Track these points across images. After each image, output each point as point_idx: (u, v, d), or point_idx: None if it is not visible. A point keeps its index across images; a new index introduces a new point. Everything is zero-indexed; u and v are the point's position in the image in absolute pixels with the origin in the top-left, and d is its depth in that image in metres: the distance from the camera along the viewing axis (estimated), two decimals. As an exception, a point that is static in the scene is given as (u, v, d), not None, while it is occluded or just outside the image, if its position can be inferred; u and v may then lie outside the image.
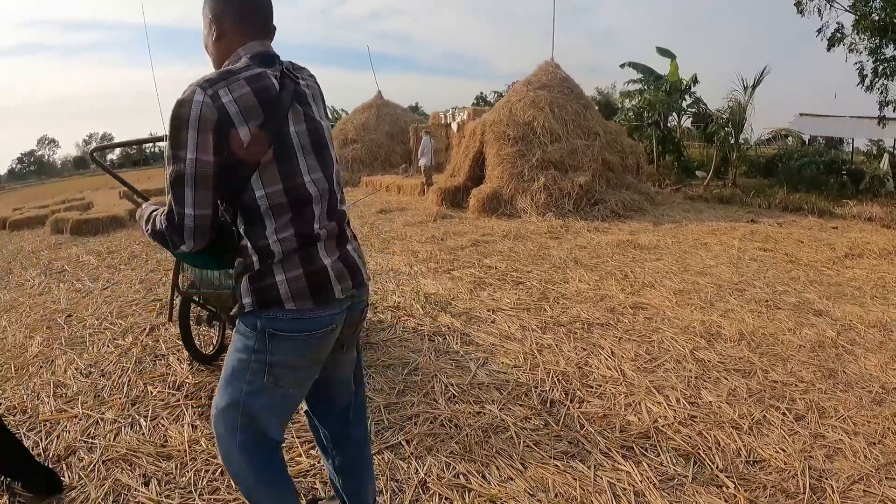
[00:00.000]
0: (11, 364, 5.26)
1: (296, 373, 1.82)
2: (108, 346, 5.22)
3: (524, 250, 7.34)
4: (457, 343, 4.22)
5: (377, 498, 2.46)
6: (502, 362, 3.83)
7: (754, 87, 14.88)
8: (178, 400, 3.92)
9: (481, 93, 44.38)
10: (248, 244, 1.73)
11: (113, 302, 6.53)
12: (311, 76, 1.91)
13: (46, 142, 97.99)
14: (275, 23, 1.87)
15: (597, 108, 16.14)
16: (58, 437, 3.76)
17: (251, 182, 1.66)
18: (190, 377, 4.17)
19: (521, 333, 4.34)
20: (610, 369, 3.65)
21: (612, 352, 3.93)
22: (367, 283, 1.95)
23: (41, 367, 5.05)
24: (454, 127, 17.85)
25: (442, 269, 6.51)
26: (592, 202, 10.42)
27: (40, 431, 3.92)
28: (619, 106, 21.06)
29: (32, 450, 3.60)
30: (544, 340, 4.17)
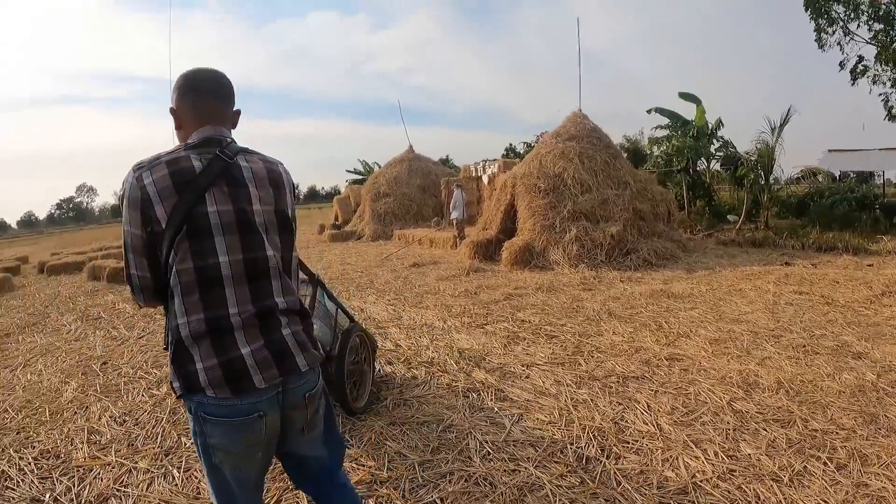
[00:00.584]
0: (46, 408, 5.36)
1: (236, 456, 1.82)
2: (142, 395, 5.31)
3: (557, 303, 7.35)
4: (491, 399, 4.23)
5: None
6: (537, 418, 3.82)
7: (781, 127, 14.96)
8: None
9: (510, 144, 44.95)
10: (167, 324, 1.81)
11: (148, 351, 6.66)
12: (270, 162, 1.95)
13: (85, 189, 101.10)
14: (237, 107, 2.00)
15: (625, 155, 16.25)
16: (90, 483, 3.81)
17: (168, 258, 1.74)
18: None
19: (555, 389, 4.33)
20: (646, 424, 3.62)
21: (648, 406, 3.90)
22: (309, 368, 1.89)
23: (76, 412, 5.14)
24: (485, 179, 18.05)
25: (475, 324, 6.54)
26: (625, 252, 10.43)
27: (73, 477, 3.98)
28: (648, 153, 21.16)
29: (65, 495, 3.69)
30: (579, 395, 4.16)
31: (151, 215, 1.71)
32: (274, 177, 1.93)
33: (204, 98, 1.90)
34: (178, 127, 1.93)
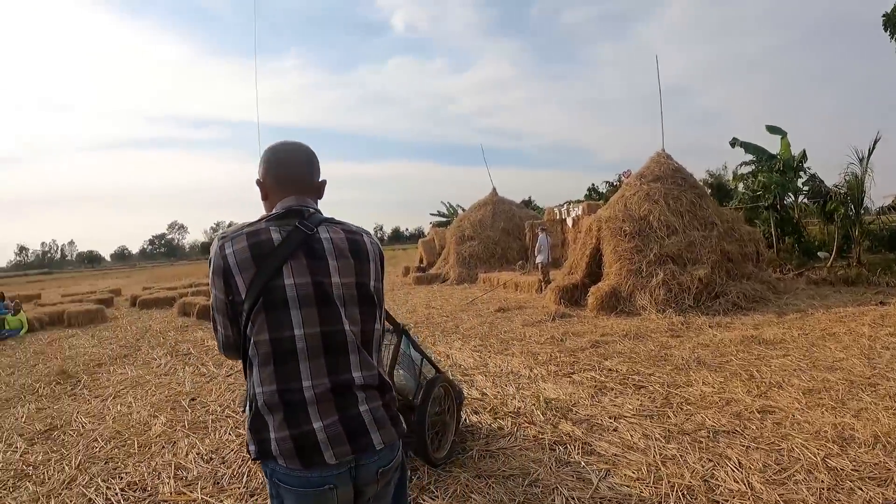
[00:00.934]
0: (135, 440, 5.59)
1: None
2: (229, 433, 5.48)
3: (645, 351, 7.28)
4: (578, 453, 4.24)
5: None
6: (625, 474, 3.81)
7: (869, 155, 14.36)
8: None
9: (593, 184, 44.57)
10: (247, 390, 1.84)
11: (235, 390, 6.89)
12: (353, 233, 1.93)
13: (177, 227, 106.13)
14: (323, 178, 2.05)
15: (709, 191, 15.92)
16: None
17: (246, 328, 1.78)
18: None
19: (643, 443, 4.30)
20: (737, 482, 3.55)
21: (739, 462, 3.83)
22: (385, 446, 1.83)
23: (163, 447, 5.35)
24: (569, 222, 18.10)
25: (562, 372, 6.56)
26: (713, 295, 10.21)
27: None
28: (733, 188, 20.66)
29: None
30: (668, 451, 4.11)
31: (232, 284, 1.77)
32: (356, 248, 1.91)
33: (288, 170, 1.97)
34: (264, 198, 2.00)
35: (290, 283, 1.77)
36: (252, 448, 1.80)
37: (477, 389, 6.18)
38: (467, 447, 4.57)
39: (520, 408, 5.43)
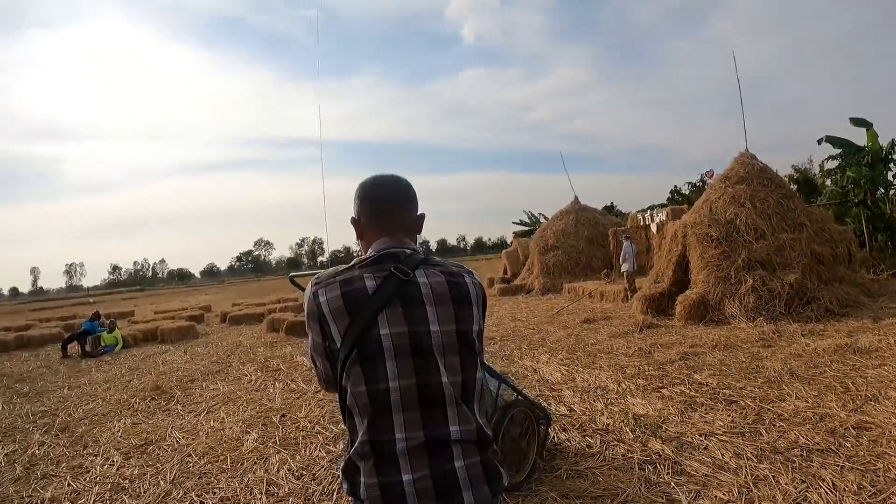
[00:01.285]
0: (228, 456, 5.75)
1: None
2: (319, 450, 5.62)
3: (735, 363, 7.14)
4: (668, 472, 4.23)
5: None
6: (715, 496, 3.78)
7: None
8: None
9: (675, 186, 43.25)
10: (346, 436, 1.80)
11: (325, 406, 7.03)
12: (454, 275, 1.80)
13: (263, 243, 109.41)
14: (421, 212, 1.94)
15: (795, 187, 15.34)
16: None
17: (342, 379, 1.73)
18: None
19: (735, 462, 4.24)
20: None
21: (833, 484, 3.74)
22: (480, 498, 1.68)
23: (255, 462, 5.51)
24: (653, 228, 17.78)
25: (651, 387, 6.52)
26: (804, 301, 9.83)
27: None
28: (820, 183, 19.84)
29: None
30: (759, 471, 4.05)
31: (327, 331, 1.73)
32: (457, 292, 1.77)
33: (382, 208, 1.88)
34: (360, 237, 1.92)
35: (385, 332, 1.68)
36: (345, 486, 1.77)
37: (565, 405, 6.23)
38: (556, 465, 4.62)
39: (608, 424, 5.44)
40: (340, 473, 1.87)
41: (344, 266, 1.81)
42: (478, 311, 1.81)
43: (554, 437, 5.27)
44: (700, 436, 4.87)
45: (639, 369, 7.38)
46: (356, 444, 1.70)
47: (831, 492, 3.64)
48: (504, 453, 4.39)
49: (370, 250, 1.83)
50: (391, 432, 1.66)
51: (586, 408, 6.06)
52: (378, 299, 1.69)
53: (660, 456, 4.55)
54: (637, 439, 4.97)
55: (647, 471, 4.33)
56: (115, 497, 5.01)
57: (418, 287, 1.72)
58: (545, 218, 33.93)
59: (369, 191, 1.89)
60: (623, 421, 5.47)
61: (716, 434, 4.86)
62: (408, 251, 1.80)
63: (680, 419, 5.35)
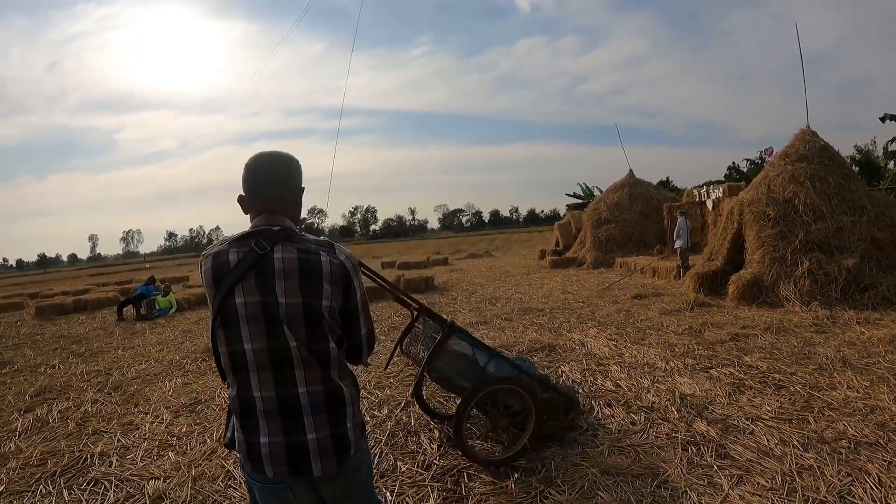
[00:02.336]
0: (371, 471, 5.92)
1: None
2: (365, 414, 5.53)
3: (787, 347, 6.94)
4: (711, 455, 4.16)
5: None
6: (757, 483, 3.70)
7: None
8: (425, 480, 4.16)
9: (733, 163, 41.88)
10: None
11: (371, 371, 6.99)
12: (310, 252, 1.92)
13: (316, 211, 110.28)
14: (300, 186, 2.10)
15: (857, 169, 14.69)
16: None
17: (214, 340, 1.96)
18: (438, 459, 4.44)
19: (780, 449, 4.14)
20: (875, 501, 3.35)
21: (879, 479, 3.60)
22: (333, 471, 1.89)
23: None
24: (709, 205, 17.32)
25: (699, 367, 6.40)
26: (862, 288, 9.43)
27: None
28: (882, 166, 18.96)
29: None
30: (805, 460, 3.94)
31: (209, 296, 1.96)
32: (308, 268, 1.90)
33: (257, 186, 2.00)
34: (245, 212, 2.05)
35: (240, 301, 1.87)
36: (226, 437, 2.04)
37: (611, 381, 6.17)
38: (598, 441, 4.58)
39: (654, 402, 5.38)
40: (226, 419, 2.09)
41: (227, 238, 1.99)
42: (331, 287, 1.92)
43: (597, 413, 5.26)
44: (746, 419, 4.77)
45: (688, 348, 7.26)
46: (230, 398, 1.96)
47: (877, 487, 3.52)
48: (493, 425, 4.57)
49: (251, 225, 2.00)
50: (250, 390, 1.88)
51: (632, 384, 5.99)
52: (237, 271, 1.87)
53: (704, 437, 4.48)
54: (682, 419, 4.90)
55: (690, 452, 4.27)
56: (161, 453, 5.11)
57: (272, 262, 1.88)
58: (600, 191, 33.46)
59: (249, 170, 2.00)
60: (669, 400, 5.39)
61: (762, 419, 4.76)
62: (275, 228, 1.95)
63: (727, 401, 5.25)
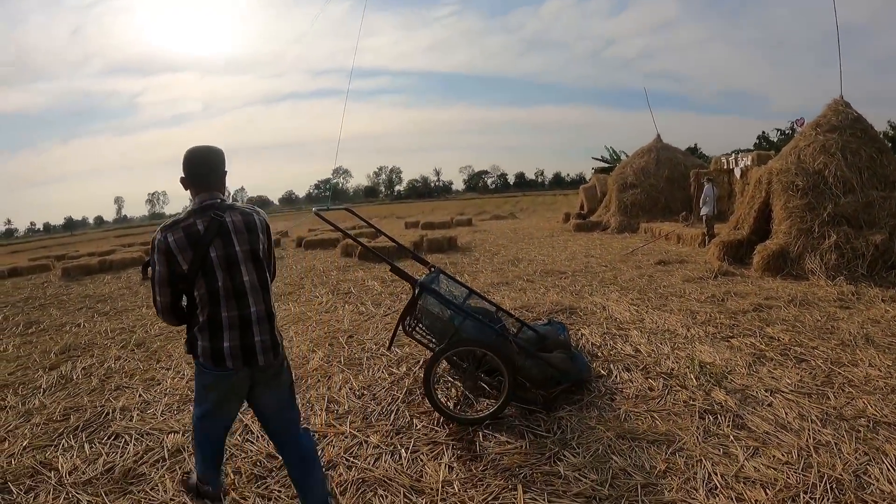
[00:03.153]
0: (293, 373, 5.93)
1: (217, 393, 2.86)
2: (382, 371, 5.71)
3: (810, 321, 6.77)
4: (728, 425, 4.12)
5: (329, 500, 3.21)
6: (773, 455, 3.65)
7: None
8: (441, 438, 4.20)
9: (763, 132, 40.85)
10: (190, 323, 2.84)
11: (391, 329, 7.00)
12: (246, 214, 2.87)
13: (341, 172, 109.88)
14: (226, 169, 2.94)
15: (890, 145, 14.20)
16: (323, 449, 4.13)
17: (192, 287, 2.72)
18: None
19: (798, 424, 4.06)
20: (891, 483, 3.26)
21: None
22: (271, 362, 2.86)
23: (319, 380, 5.59)
24: (737, 173, 16.92)
25: (720, 335, 6.32)
26: (889, 265, 9.12)
27: None
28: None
29: None
30: (822, 436, 3.86)
31: (173, 262, 2.69)
32: (248, 225, 2.84)
33: (198, 172, 2.83)
34: (187, 189, 2.86)
35: (214, 255, 2.71)
36: (185, 348, 2.88)
37: (631, 345, 6.13)
38: (615, 405, 4.59)
39: (673, 369, 5.33)
40: (185, 345, 2.89)
41: (181, 215, 2.76)
42: (263, 236, 2.92)
43: (615, 377, 5.23)
44: (766, 391, 4.70)
45: (710, 316, 7.15)
46: (198, 324, 2.76)
47: (894, 469, 3.43)
48: (463, 384, 4.76)
49: (195, 201, 2.80)
50: (219, 312, 2.73)
51: (652, 350, 5.95)
52: (207, 236, 2.69)
53: (722, 407, 4.44)
54: (700, 387, 4.86)
55: (706, 420, 4.24)
56: (182, 407, 5.17)
57: (228, 224, 2.76)
58: (626, 155, 32.87)
59: (189, 160, 2.82)
60: (688, 367, 5.34)
61: (782, 391, 4.68)
62: (218, 201, 2.82)
63: (747, 372, 5.18)
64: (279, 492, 3.63)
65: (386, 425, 4.48)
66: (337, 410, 4.88)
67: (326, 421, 4.67)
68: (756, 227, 11.55)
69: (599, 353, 5.93)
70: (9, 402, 5.71)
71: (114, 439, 4.62)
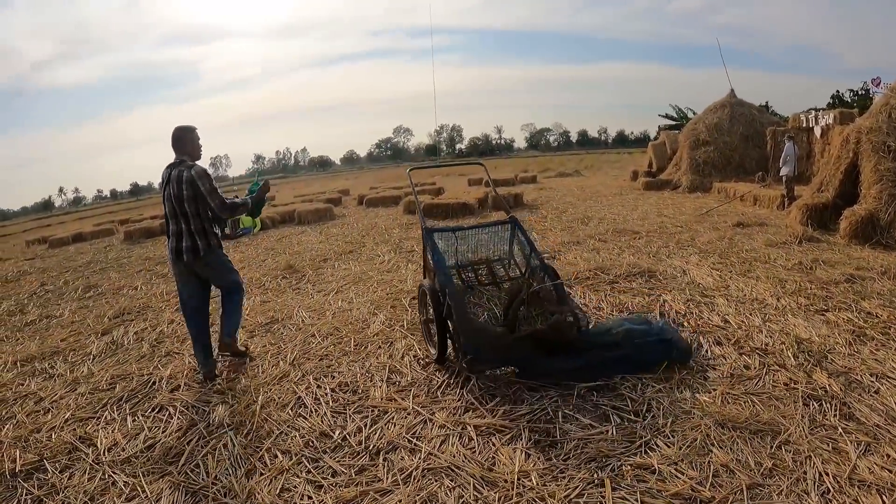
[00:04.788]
0: (352, 339, 5.54)
1: (178, 276, 4.91)
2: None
3: (911, 295, 6.11)
4: (834, 414, 3.71)
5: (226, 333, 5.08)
6: (887, 454, 3.20)
7: None
8: (515, 415, 3.87)
9: (837, 91, 38.11)
10: None
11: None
12: (183, 169, 4.64)
13: (402, 131, 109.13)
14: (190, 142, 4.83)
15: None
16: (382, 428, 3.78)
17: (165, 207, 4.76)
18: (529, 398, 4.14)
19: None
20: None
21: None
22: (192, 256, 4.67)
23: (380, 346, 5.29)
24: (817, 132, 15.79)
25: (814, 308, 5.82)
26: None
27: (367, 417, 3.97)
28: None
29: (354, 435, 3.68)
30: None
31: (161, 195, 4.74)
32: (181, 177, 4.59)
33: (172, 144, 4.74)
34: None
35: (167, 193, 4.62)
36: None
37: (718, 315, 5.73)
38: (710, 386, 4.21)
39: (767, 345, 4.91)
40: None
41: (169, 164, 4.76)
42: (188, 185, 4.58)
43: (707, 350, 4.89)
44: (871, 376, 4.24)
45: (799, 285, 6.60)
46: (166, 233, 4.80)
47: None
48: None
49: (175, 158, 4.73)
50: (169, 227, 4.73)
51: (742, 321, 5.52)
52: (166, 179, 4.65)
53: (826, 392, 4.01)
54: (800, 367, 4.44)
55: (811, 408, 3.82)
56: (232, 377, 5.02)
57: (176, 174, 4.60)
58: (693, 113, 31.31)
59: (172, 134, 4.73)
60: (784, 343, 4.91)
61: (889, 377, 4.20)
62: (177, 161, 4.66)
63: (847, 351, 4.71)
64: (331, 478, 3.37)
65: (453, 401, 4.11)
66: (399, 382, 4.54)
67: (387, 394, 4.33)
68: (842, 190, 10.70)
69: (685, 323, 5.57)
70: (58, 370, 5.68)
71: (158, 412, 4.49)
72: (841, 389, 4.05)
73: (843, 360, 4.55)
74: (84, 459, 3.83)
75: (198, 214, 4.58)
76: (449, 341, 4.67)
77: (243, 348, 5.42)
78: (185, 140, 4.68)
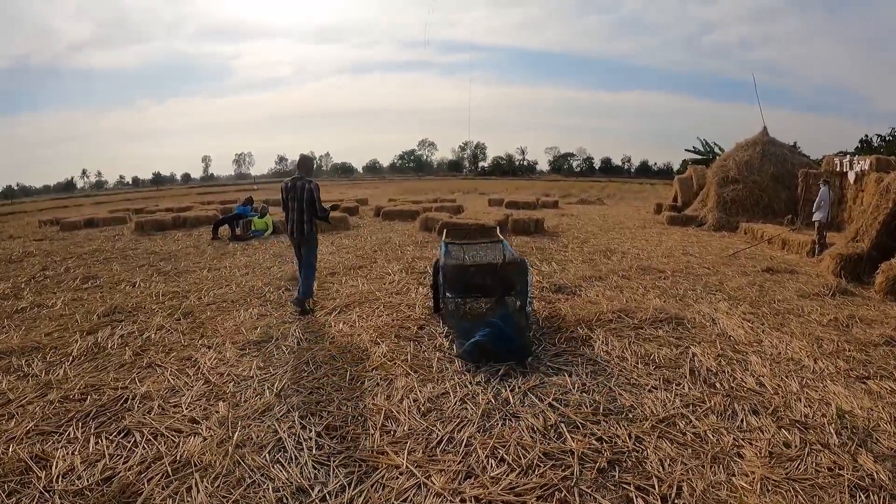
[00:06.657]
0: (348, 371, 5.17)
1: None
2: (455, 378, 5.06)
3: (961, 364, 5.59)
4: None
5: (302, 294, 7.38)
6: None
7: None
8: (524, 489, 3.48)
9: (866, 136, 37.28)
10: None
11: None
12: (304, 181, 7.32)
13: (427, 143, 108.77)
14: (310, 164, 7.76)
15: None
16: (368, 490, 3.40)
17: (286, 205, 7.50)
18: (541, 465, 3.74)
19: None
20: None
21: None
22: (302, 237, 7.40)
23: (378, 384, 4.96)
24: (851, 177, 15.21)
25: (854, 373, 5.36)
26: None
27: (352, 473, 3.75)
28: None
29: (335, 497, 3.43)
30: None
31: (283, 195, 7.49)
32: (304, 187, 7.25)
33: (299, 165, 7.59)
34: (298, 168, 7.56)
35: (289, 196, 7.38)
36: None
37: (752, 376, 5.29)
38: (746, 466, 3.77)
39: (807, 416, 4.48)
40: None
41: (291, 177, 7.51)
42: (307, 195, 7.25)
43: (742, 421, 4.43)
44: (921, 461, 3.77)
45: (837, 346, 6.13)
46: (286, 220, 7.58)
47: None
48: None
49: (296, 173, 7.51)
50: (287, 216, 7.49)
51: (778, 385, 5.09)
52: (290, 186, 7.37)
53: (874, 483, 3.56)
54: (844, 447, 3.99)
55: (857, 500, 3.39)
56: (209, 406, 4.61)
57: (301, 184, 7.31)
58: (720, 147, 30.68)
59: (299, 160, 7.68)
60: (825, 416, 4.47)
61: (947, 465, 3.73)
62: (300, 176, 7.38)
63: (893, 430, 4.25)
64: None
65: (454, 462, 3.68)
66: (394, 431, 4.10)
67: (378, 446, 3.88)
68: (878, 241, 10.18)
69: (718, 385, 5.13)
70: (34, 369, 5.37)
71: (124, 436, 4.12)
72: (889, 479, 3.60)
73: (889, 441, 4.10)
74: (34, 485, 3.49)
75: (308, 211, 7.21)
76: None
77: (309, 308, 7.43)
78: (308, 164, 7.56)
